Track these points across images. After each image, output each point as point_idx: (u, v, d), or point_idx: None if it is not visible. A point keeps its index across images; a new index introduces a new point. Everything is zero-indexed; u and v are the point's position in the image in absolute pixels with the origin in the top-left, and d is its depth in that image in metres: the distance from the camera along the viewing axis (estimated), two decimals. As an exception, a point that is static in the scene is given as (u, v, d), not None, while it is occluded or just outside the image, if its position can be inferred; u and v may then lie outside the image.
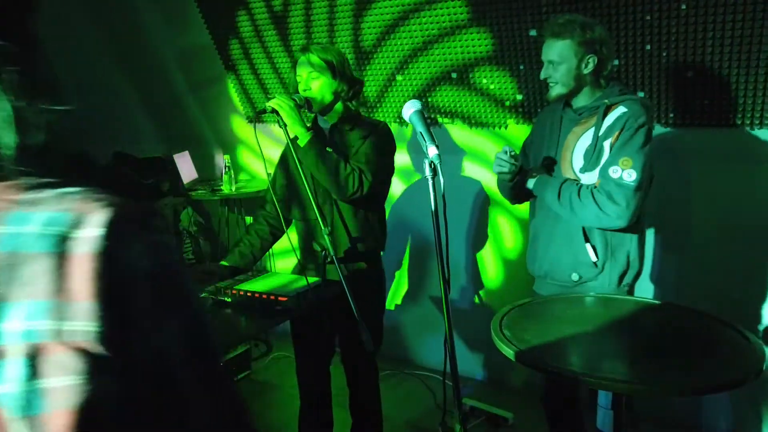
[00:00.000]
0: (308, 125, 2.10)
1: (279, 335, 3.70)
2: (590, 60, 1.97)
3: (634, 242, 2.02)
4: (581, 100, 2.06)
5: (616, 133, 1.91)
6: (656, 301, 1.90)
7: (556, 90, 2.04)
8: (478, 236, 3.36)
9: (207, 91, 4.00)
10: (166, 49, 3.91)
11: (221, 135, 4.11)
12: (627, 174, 1.88)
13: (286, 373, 3.49)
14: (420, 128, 1.33)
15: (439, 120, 3.26)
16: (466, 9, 2.82)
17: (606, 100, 1.97)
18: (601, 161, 1.94)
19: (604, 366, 1.47)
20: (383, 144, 2.19)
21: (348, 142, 2.18)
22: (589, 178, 1.99)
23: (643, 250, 2.08)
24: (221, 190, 3.56)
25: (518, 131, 3.06)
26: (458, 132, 3.25)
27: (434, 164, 1.26)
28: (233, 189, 3.54)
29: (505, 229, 3.26)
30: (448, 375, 1.30)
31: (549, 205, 2.05)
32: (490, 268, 3.35)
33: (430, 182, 1.27)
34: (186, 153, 3.85)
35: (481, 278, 3.39)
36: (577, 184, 1.98)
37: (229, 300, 2.02)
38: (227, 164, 3.57)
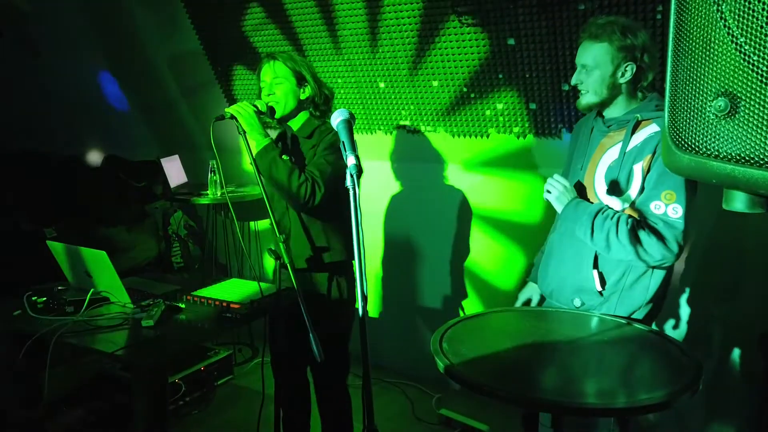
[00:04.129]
0: (267, 133, 2.10)
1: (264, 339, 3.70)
2: (628, 68, 1.76)
3: (656, 278, 1.82)
4: (613, 111, 1.85)
5: (648, 156, 1.72)
6: (608, 316, 1.81)
7: (586, 99, 1.83)
8: (459, 245, 3.32)
9: (198, 96, 4.03)
10: (158, 54, 3.95)
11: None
12: (672, 210, 1.67)
13: (269, 378, 3.48)
14: (343, 137, 1.32)
15: (422, 128, 3.24)
16: (447, 18, 2.80)
17: (638, 115, 1.77)
18: (630, 186, 1.76)
19: (540, 385, 1.44)
20: (336, 150, 2.11)
21: (305, 151, 2.17)
22: (614, 203, 1.80)
23: (666, 289, 1.87)
24: (207, 194, 3.57)
25: (499, 140, 3.03)
26: (440, 141, 3.23)
27: (352, 175, 1.24)
28: (218, 193, 3.55)
29: (487, 238, 3.22)
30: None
31: (581, 238, 1.84)
32: (472, 276, 3.32)
33: (351, 192, 1.26)
34: (175, 157, 3.88)
35: (463, 286, 3.35)
36: (613, 218, 1.75)
37: (183, 306, 2.02)
38: (213, 168, 3.58)
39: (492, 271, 3.24)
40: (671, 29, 0.63)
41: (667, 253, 1.70)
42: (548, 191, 1.89)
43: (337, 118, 1.35)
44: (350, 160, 1.26)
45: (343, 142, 1.30)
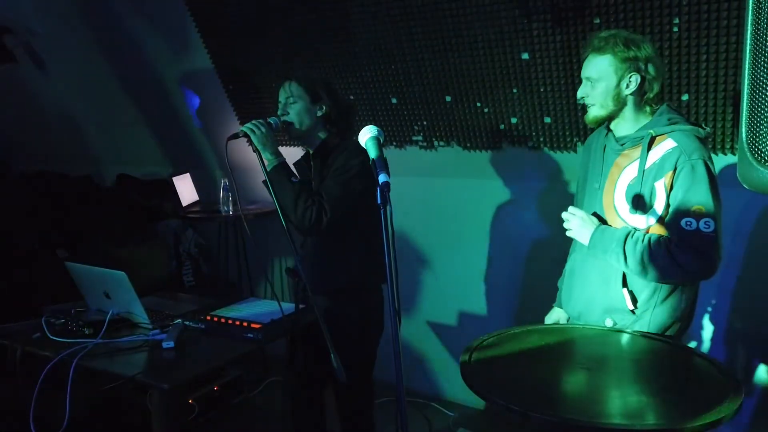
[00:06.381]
0: (280, 152, 2.08)
1: (275, 359, 3.67)
2: (632, 79, 1.76)
3: (687, 292, 1.81)
4: (623, 128, 1.84)
5: (669, 173, 1.70)
6: (637, 333, 1.78)
7: (593, 112, 1.83)
8: (475, 260, 3.30)
9: (210, 114, 4.03)
10: (169, 73, 3.96)
11: (223, 157, 4.12)
12: (704, 224, 1.65)
13: (280, 398, 3.44)
14: (373, 154, 1.30)
15: (435, 143, 3.23)
16: (460, 33, 2.80)
17: (651, 131, 1.75)
18: (654, 203, 1.73)
19: (573, 406, 1.40)
20: (349, 172, 2.05)
21: (321, 172, 2.14)
22: (639, 221, 1.77)
23: (695, 303, 1.85)
24: (219, 212, 3.56)
25: (513, 154, 3.02)
26: (453, 155, 3.22)
27: (384, 192, 1.22)
28: (231, 211, 3.54)
29: (502, 254, 3.20)
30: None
31: (615, 266, 1.81)
32: (487, 291, 3.28)
33: (382, 210, 1.24)
34: (187, 175, 3.88)
35: (479, 302, 3.32)
36: (644, 240, 1.72)
37: (203, 326, 2.00)
38: (226, 186, 3.58)
39: (509, 286, 3.21)
40: (748, 40, 0.61)
41: (708, 267, 1.68)
42: (568, 228, 1.88)
43: (365, 135, 1.34)
44: (381, 178, 1.24)
45: (373, 160, 1.28)
